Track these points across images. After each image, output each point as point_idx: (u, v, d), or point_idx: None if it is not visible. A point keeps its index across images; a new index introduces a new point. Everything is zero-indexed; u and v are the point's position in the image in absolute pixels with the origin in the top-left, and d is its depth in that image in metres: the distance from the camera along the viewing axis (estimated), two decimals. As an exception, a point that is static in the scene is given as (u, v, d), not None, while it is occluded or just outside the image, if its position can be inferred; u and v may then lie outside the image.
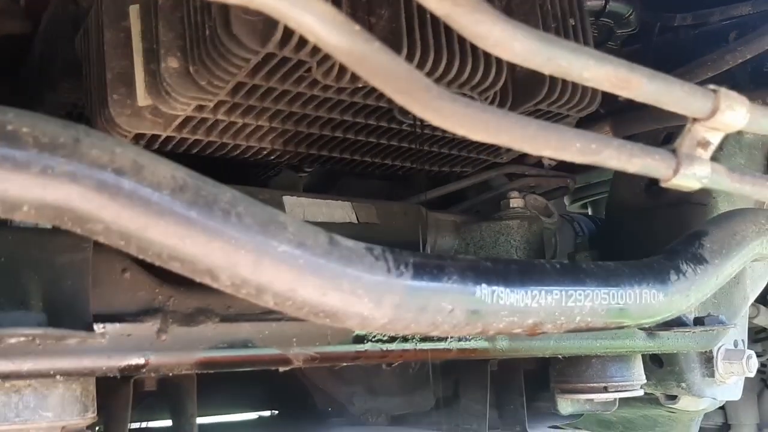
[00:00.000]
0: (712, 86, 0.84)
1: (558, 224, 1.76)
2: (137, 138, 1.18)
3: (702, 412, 1.99)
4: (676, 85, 0.81)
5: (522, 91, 1.24)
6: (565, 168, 1.95)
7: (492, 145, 1.49)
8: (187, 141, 1.26)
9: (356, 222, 1.64)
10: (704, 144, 0.87)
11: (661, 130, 1.66)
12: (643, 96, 0.78)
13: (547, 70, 0.70)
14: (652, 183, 1.71)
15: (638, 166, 0.84)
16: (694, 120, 0.86)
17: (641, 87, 0.76)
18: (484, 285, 0.96)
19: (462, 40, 1.11)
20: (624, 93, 0.77)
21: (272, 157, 1.40)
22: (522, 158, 1.77)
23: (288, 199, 1.57)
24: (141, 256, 0.78)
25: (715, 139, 0.88)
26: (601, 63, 0.73)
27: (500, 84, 1.18)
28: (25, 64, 1.58)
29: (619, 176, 1.84)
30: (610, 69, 0.75)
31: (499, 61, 1.16)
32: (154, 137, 1.21)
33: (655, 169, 0.86)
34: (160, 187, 0.75)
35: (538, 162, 1.88)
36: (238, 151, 1.34)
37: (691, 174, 0.87)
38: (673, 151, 0.88)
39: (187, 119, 1.18)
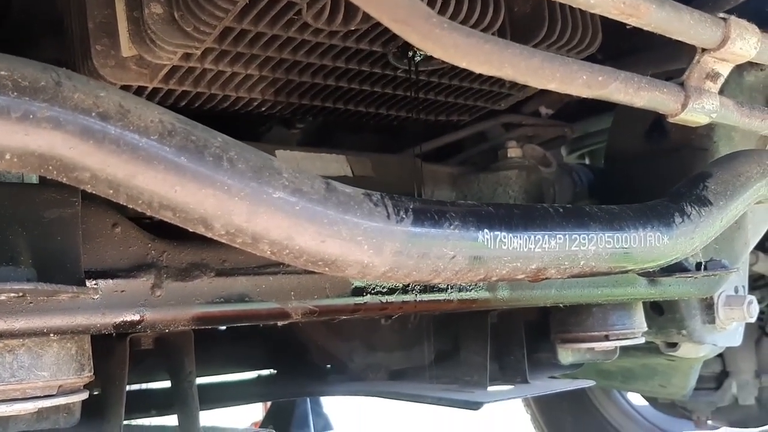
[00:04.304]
0: (722, 14, 0.81)
1: (556, 174, 1.73)
2: (123, 91, 1.13)
3: (701, 360, 2.00)
4: (685, 12, 0.77)
5: (520, 32, 1.20)
6: (563, 118, 1.92)
7: (490, 92, 1.45)
8: (175, 93, 1.22)
9: (351, 175, 1.61)
10: (713, 76, 0.84)
11: (661, 74, 1.61)
12: (651, 24, 0.75)
13: (552, -5, 0.66)
14: (652, 129, 1.69)
15: (645, 99, 0.81)
16: (703, 50, 0.83)
17: (650, 14, 0.73)
18: (486, 230, 0.93)
19: (457, -21, 1.06)
20: (632, 21, 0.73)
21: (263, 109, 1.36)
22: (519, 107, 1.73)
23: (281, 153, 1.54)
24: (131, 206, 0.75)
25: (725, 70, 0.85)
26: (608, -12, 0.70)
27: (498, 24, 1.14)
28: (3, 26, 1.52)
29: (618, 122, 1.81)
30: (618, -5, 0.71)
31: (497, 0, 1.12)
32: (141, 89, 1.17)
33: (662, 103, 0.83)
34: (148, 132, 0.72)
35: (535, 111, 1.85)
36: (228, 103, 1.30)
37: (699, 107, 0.84)
38: (681, 84, 0.85)
39: (174, 69, 1.14)
